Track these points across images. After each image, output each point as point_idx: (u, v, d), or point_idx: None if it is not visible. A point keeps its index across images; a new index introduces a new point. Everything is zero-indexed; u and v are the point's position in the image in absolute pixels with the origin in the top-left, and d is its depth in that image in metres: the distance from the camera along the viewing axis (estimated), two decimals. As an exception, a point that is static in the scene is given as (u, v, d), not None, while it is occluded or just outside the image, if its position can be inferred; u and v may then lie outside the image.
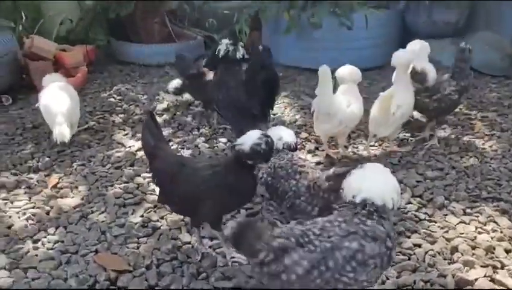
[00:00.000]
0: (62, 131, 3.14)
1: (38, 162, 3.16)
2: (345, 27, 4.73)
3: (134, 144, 3.42)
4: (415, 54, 3.27)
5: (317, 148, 3.32)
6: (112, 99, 4.32)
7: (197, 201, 2.07)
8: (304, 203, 2.22)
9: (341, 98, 2.99)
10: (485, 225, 2.45)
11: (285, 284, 1.56)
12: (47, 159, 3.19)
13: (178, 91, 4.06)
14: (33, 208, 2.67)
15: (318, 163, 3.12)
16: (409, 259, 2.21)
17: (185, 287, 2.07)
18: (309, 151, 3.28)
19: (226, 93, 3.08)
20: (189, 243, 2.36)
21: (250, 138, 1.97)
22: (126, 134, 3.62)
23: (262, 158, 1.99)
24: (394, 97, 3.01)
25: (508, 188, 2.77)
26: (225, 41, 3.09)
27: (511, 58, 4.77)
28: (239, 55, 3.09)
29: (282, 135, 2.52)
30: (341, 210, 1.74)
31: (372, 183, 1.72)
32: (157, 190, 2.54)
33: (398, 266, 2.16)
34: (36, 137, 3.57)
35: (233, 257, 2.19)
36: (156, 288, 2.08)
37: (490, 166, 3.03)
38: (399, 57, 3.10)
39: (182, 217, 2.53)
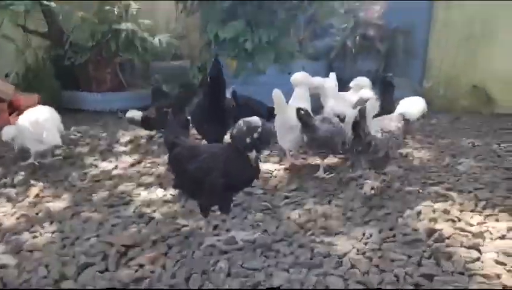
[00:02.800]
0: (54, 134, 3.22)
1: (13, 180, 3.14)
2: (285, 73, 5.35)
3: (108, 165, 3.53)
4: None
5: (280, 160, 3.67)
6: (73, 136, 4.39)
7: (204, 180, 2.19)
8: None
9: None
10: (437, 198, 2.90)
11: None
12: (21, 177, 3.18)
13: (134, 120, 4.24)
14: (20, 210, 2.67)
15: (286, 169, 3.47)
16: (385, 221, 2.56)
17: (195, 251, 2.21)
18: (274, 162, 3.63)
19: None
20: (187, 225, 2.51)
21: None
22: (96, 159, 3.71)
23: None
24: None
25: (447, 176, 3.30)
26: None
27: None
28: None
29: None
30: None
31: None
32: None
33: (378, 226, 2.49)
34: (3, 163, 3.53)
35: (243, 239, 2.34)
36: (167, 254, 2.19)
37: (429, 165, 3.57)
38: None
39: (174, 209, 2.70)
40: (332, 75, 4.28)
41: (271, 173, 3.37)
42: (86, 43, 5.23)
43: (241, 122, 2.18)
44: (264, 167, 3.52)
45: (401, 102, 3.32)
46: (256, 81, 5.36)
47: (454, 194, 2.93)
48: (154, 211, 2.70)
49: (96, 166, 3.52)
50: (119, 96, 5.44)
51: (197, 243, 2.30)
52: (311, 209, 2.73)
